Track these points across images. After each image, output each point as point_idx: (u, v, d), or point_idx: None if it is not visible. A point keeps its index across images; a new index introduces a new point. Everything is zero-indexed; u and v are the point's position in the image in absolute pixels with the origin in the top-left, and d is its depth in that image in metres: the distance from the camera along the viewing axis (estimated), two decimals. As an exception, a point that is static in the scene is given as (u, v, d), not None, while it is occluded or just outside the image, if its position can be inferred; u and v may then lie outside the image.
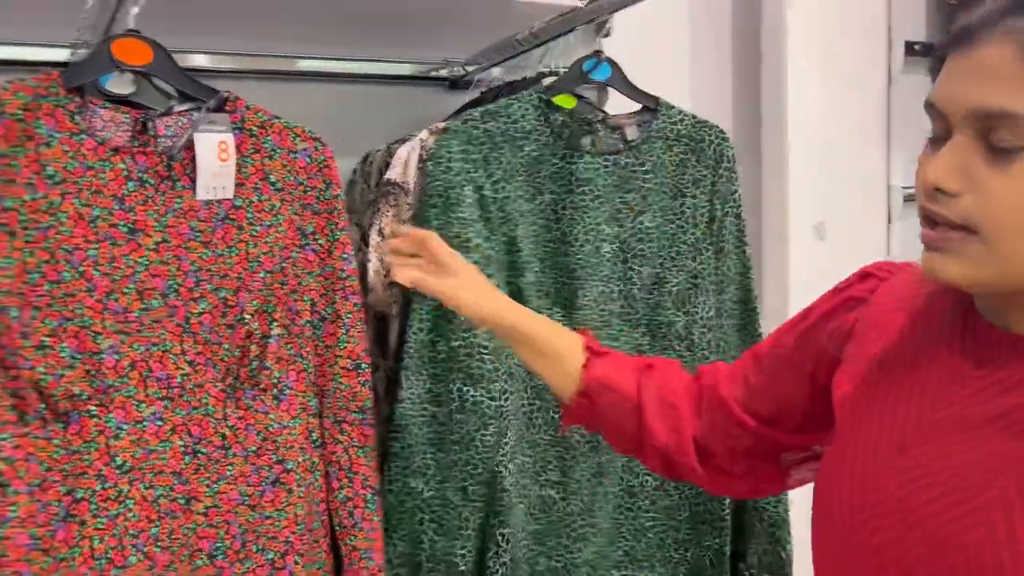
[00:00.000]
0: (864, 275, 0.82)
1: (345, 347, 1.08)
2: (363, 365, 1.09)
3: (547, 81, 1.28)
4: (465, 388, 1.10)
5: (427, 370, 1.12)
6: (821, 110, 1.74)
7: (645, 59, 1.43)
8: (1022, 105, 0.57)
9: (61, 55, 1.10)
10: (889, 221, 1.90)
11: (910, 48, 1.88)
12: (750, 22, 1.75)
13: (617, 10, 1.22)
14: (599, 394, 0.91)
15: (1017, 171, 0.58)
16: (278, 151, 1.05)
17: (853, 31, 1.83)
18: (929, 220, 0.63)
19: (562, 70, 1.29)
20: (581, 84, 1.23)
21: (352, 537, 1.08)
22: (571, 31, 1.26)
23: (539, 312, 1.15)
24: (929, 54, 1.90)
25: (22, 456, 0.91)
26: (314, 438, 1.08)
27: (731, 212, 1.29)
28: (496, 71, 1.41)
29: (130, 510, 0.95)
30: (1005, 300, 0.65)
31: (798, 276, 1.71)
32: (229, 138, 1.00)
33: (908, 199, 1.90)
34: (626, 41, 1.41)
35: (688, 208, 1.25)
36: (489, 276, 1.09)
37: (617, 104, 1.33)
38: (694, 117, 1.29)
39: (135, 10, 0.96)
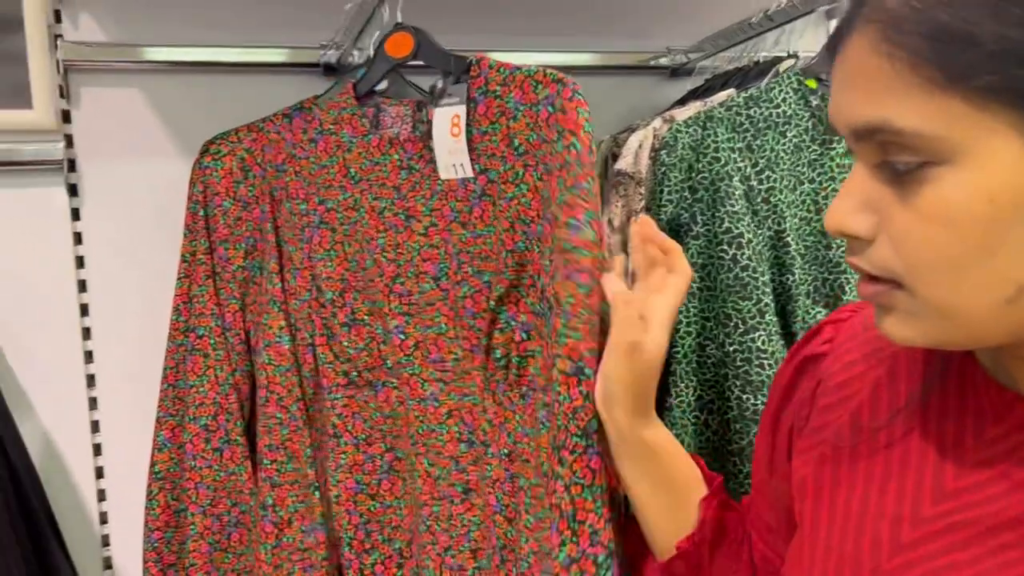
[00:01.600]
0: (820, 326, 0.65)
1: (565, 342, 0.80)
2: (587, 370, 0.79)
3: (784, 65, 1.24)
4: (745, 396, 1.03)
5: (697, 375, 1.06)
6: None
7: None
8: (901, 115, 0.42)
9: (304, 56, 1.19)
10: None
11: None
12: None
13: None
14: (715, 541, 0.72)
15: (920, 201, 0.43)
16: (521, 108, 0.90)
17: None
18: (866, 276, 0.48)
19: (801, 53, 1.24)
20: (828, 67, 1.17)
21: None
22: (810, 12, 1.21)
23: (806, 313, 1.09)
24: None
25: (349, 414, 1.03)
26: (544, 468, 0.86)
27: None
28: (717, 58, 1.38)
29: (417, 481, 1.01)
30: (1007, 352, 0.48)
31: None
32: (461, 110, 0.93)
33: None
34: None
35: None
36: (759, 275, 1.04)
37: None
38: None
39: (400, 3, 0.98)
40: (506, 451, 0.94)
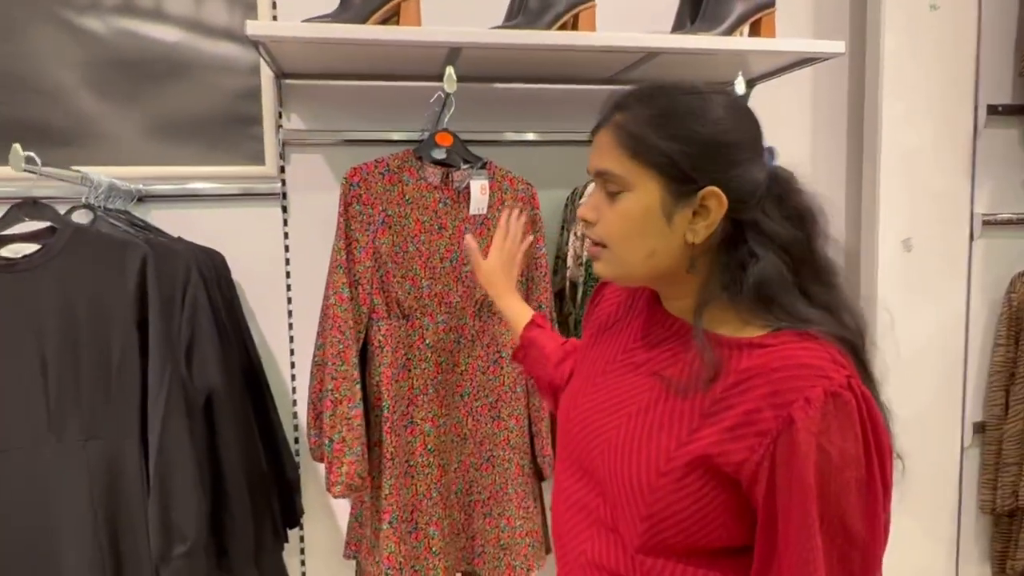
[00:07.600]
0: (604, 283, 1.14)
1: (537, 296, 1.84)
2: (543, 306, 1.85)
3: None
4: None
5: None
6: (912, 148, 2.02)
7: (775, 107, 1.97)
8: (612, 166, 0.86)
9: (414, 136, 1.96)
10: (971, 239, 2.12)
11: (993, 109, 2.16)
12: (861, 77, 2.10)
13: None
14: (528, 349, 1.33)
15: (617, 206, 0.87)
16: (509, 189, 1.84)
17: (946, 92, 2.09)
18: (591, 241, 0.91)
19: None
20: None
21: None
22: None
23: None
24: (1009, 112, 2.15)
25: (388, 334, 1.81)
26: (518, 389, 1.83)
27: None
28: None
29: (428, 369, 1.81)
30: (666, 291, 0.94)
31: (886, 281, 1.99)
32: (486, 183, 1.81)
33: (987, 222, 2.12)
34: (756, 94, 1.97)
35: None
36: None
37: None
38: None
39: (448, 116, 1.78)
40: (486, 342, 1.81)
